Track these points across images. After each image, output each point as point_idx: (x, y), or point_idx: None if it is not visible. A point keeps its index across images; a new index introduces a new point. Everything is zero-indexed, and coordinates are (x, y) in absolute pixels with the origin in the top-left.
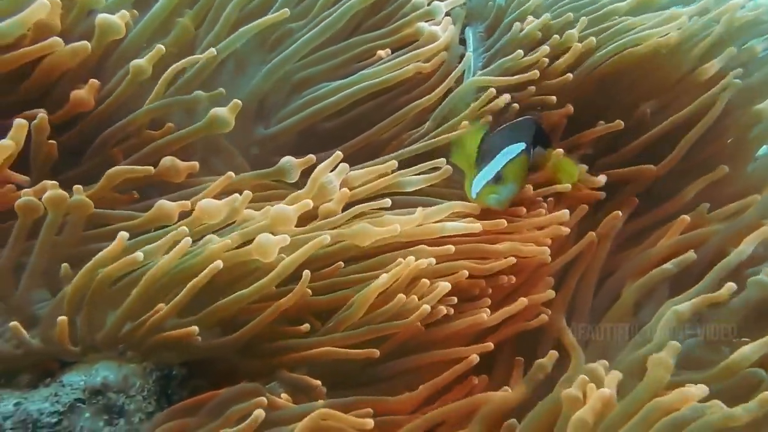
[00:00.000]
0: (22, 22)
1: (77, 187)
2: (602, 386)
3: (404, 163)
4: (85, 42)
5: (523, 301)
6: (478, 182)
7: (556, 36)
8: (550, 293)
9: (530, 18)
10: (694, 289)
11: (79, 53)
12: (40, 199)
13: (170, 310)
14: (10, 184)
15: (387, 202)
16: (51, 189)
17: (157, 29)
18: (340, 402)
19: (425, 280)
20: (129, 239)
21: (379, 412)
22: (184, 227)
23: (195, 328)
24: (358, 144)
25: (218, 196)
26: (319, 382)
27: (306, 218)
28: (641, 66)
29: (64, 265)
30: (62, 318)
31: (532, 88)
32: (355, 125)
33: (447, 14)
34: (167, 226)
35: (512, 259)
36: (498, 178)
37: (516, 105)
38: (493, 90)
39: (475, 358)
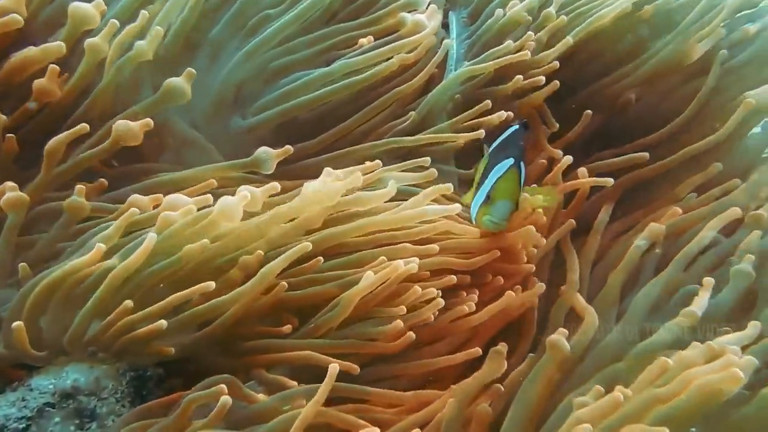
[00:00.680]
0: None
1: (10, 184)
2: None
3: (387, 156)
4: (60, 43)
5: (510, 295)
6: (473, 207)
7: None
8: (540, 286)
9: (514, 1)
10: (661, 275)
11: (51, 53)
12: None
13: (145, 316)
14: None
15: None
16: (9, 191)
17: (130, 20)
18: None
19: (416, 288)
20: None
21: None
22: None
23: (163, 323)
24: (339, 134)
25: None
26: (295, 383)
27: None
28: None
29: (22, 265)
30: (17, 324)
31: (520, 77)
32: (335, 114)
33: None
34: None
35: (496, 252)
36: (488, 199)
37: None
38: (488, 103)
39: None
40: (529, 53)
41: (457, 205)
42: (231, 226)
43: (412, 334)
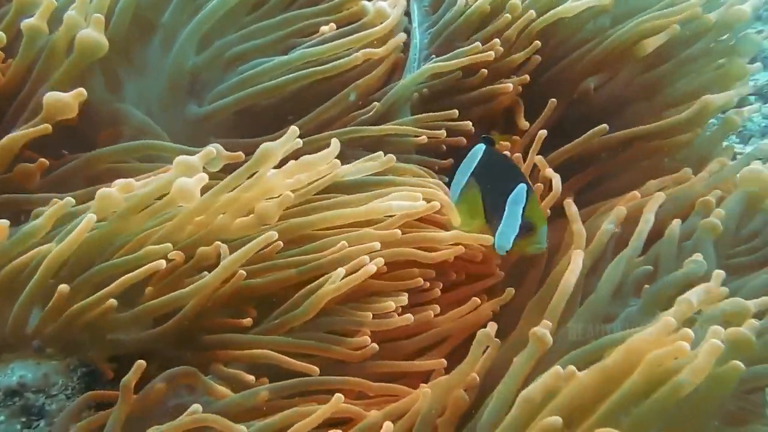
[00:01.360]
0: None
1: None
2: None
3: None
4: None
5: (475, 301)
6: (504, 239)
7: (507, 16)
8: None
9: None
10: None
11: None
12: None
13: (92, 302)
14: None
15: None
16: None
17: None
18: (285, 385)
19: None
20: None
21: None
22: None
23: (113, 302)
24: (301, 126)
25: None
26: (252, 378)
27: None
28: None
29: None
30: None
31: (484, 71)
32: (294, 101)
33: None
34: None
35: (460, 248)
36: (529, 229)
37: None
38: (454, 112)
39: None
40: (493, 54)
41: (423, 202)
42: (188, 207)
43: (375, 346)
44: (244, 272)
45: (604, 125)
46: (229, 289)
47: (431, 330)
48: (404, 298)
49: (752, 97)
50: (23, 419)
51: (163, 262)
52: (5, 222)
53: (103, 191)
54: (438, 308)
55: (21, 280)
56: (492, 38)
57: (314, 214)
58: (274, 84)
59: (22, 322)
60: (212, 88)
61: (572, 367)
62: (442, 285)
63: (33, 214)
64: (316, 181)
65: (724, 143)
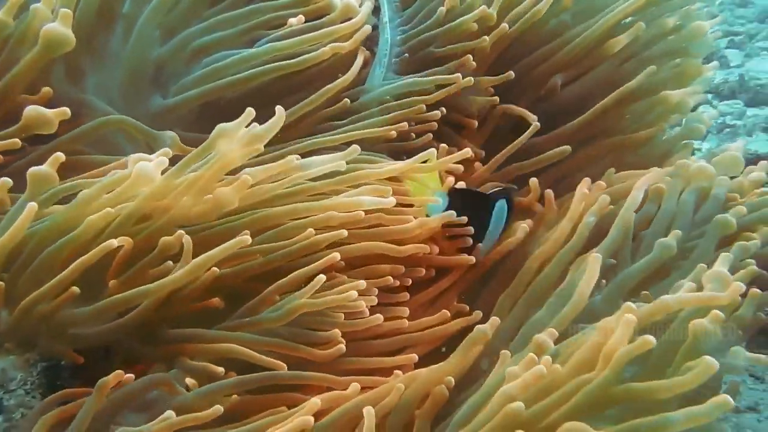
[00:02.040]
0: None
1: None
2: None
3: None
4: None
5: (445, 314)
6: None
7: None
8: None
9: None
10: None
11: None
12: None
13: (45, 293)
14: None
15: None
16: None
17: None
18: (252, 378)
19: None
20: None
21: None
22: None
23: (75, 290)
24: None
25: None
26: (222, 369)
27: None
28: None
29: None
30: None
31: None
32: (260, 95)
33: None
34: None
35: (426, 247)
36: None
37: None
38: (422, 107)
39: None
40: (472, 79)
41: (393, 198)
42: (147, 190)
43: (342, 347)
44: (217, 269)
45: (536, 124)
46: (198, 284)
47: (400, 336)
48: (374, 298)
49: (709, 95)
50: None
51: (114, 242)
52: None
53: (35, 169)
54: (407, 311)
55: None
56: (468, 53)
57: (282, 205)
58: (240, 77)
59: None
60: (178, 79)
61: (555, 365)
62: (410, 282)
63: None
64: (281, 178)
65: (683, 141)
